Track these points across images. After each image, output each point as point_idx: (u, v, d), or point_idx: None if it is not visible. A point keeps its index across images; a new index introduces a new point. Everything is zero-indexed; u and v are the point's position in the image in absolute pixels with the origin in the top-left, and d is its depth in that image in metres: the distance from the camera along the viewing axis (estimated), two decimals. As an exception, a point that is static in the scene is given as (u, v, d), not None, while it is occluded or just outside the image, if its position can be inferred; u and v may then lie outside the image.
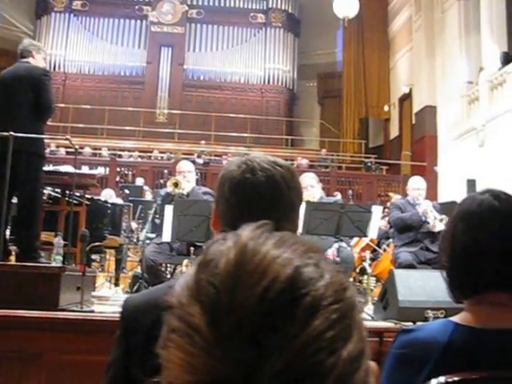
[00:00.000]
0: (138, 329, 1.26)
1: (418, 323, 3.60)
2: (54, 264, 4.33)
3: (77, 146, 5.36)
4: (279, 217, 1.30)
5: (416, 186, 6.56)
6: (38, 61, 5.15)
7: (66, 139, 5.28)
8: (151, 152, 19.85)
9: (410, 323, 4.06)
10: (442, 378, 1.24)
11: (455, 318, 1.38)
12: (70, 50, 23.66)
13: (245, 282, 0.52)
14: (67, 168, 5.49)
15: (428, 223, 6.14)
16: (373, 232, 5.46)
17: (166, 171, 15.25)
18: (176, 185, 6.07)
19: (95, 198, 7.06)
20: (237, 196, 1.33)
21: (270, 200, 1.32)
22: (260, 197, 1.31)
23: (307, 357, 0.49)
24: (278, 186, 1.33)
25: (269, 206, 1.31)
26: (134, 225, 10.14)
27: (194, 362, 0.51)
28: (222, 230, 1.35)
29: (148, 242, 6.48)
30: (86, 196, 6.18)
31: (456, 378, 1.23)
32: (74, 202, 5.41)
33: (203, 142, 20.05)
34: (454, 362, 1.27)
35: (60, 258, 4.35)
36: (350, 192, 15.49)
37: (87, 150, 18.42)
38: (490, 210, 1.39)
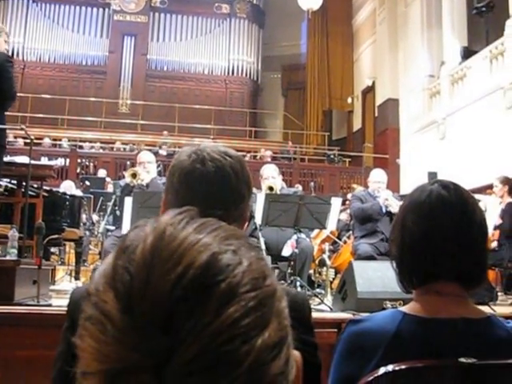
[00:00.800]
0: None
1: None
2: (8, 257, 4.22)
3: (33, 137, 5.23)
4: (228, 207, 1.31)
5: (377, 179, 6.63)
6: None
7: (21, 129, 5.17)
8: (113, 143, 19.63)
9: (369, 314, 4.08)
10: (390, 367, 1.25)
11: (404, 308, 1.39)
12: (29, 38, 23.21)
13: (159, 268, 0.51)
14: (23, 159, 5.36)
15: (391, 213, 6.20)
16: (332, 224, 5.49)
17: (128, 163, 15.13)
18: (134, 175, 6.01)
19: (54, 189, 6.93)
20: (186, 186, 1.33)
21: (219, 191, 1.32)
22: (209, 187, 1.31)
23: (220, 345, 0.49)
24: (228, 177, 1.33)
25: (218, 197, 1.31)
26: (95, 217, 10.03)
27: (106, 350, 0.50)
28: None
29: (109, 234, 6.40)
30: (44, 188, 6.06)
31: (404, 367, 1.24)
32: (31, 193, 5.30)
33: (166, 132, 19.91)
34: (402, 351, 1.29)
35: (15, 251, 4.24)
36: (312, 184, 15.58)
37: (47, 140, 18.13)
38: (439, 200, 1.40)
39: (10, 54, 5.85)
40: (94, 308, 0.53)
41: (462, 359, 1.24)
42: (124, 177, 7.11)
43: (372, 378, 1.25)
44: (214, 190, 1.31)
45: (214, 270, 0.51)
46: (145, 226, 0.56)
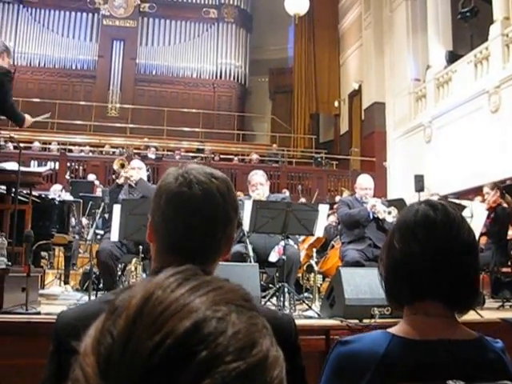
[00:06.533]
0: (69, 346, 1.20)
1: (360, 334, 3.63)
2: (-3, 266, 4.24)
3: (22, 144, 5.29)
4: (215, 230, 1.32)
5: (364, 185, 6.59)
6: (4, 62, 5.29)
7: (10, 138, 5.24)
8: (103, 147, 19.57)
9: (356, 320, 4.14)
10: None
11: (392, 330, 1.39)
12: (20, 42, 23.18)
13: (140, 334, 0.50)
14: (12, 165, 5.36)
15: (379, 219, 6.22)
16: (319, 230, 5.48)
17: (117, 166, 15.02)
18: (122, 165, 6.08)
19: (43, 195, 6.93)
20: (173, 209, 1.32)
21: (206, 214, 1.31)
22: (196, 211, 1.30)
23: None
24: (214, 200, 1.32)
25: (205, 220, 1.31)
26: (84, 221, 10.06)
27: None
28: (156, 242, 1.35)
29: (99, 237, 6.43)
30: (34, 193, 6.07)
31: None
32: (20, 200, 5.31)
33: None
34: (391, 373, 1.28)
35: (3, 259, 4.25)
36: (300, 187, 15.59)
37: (36, 144, 18.08)
38: (424, 220, 1.40)
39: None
40: (79, 369, 0.51)
41: (450, 382, 1.23)
42: (114, 180, 7.13)
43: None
44: (202, 213, 1.31)
45: (194, 339, 0.49)
46: (134, 287, 0.55)
